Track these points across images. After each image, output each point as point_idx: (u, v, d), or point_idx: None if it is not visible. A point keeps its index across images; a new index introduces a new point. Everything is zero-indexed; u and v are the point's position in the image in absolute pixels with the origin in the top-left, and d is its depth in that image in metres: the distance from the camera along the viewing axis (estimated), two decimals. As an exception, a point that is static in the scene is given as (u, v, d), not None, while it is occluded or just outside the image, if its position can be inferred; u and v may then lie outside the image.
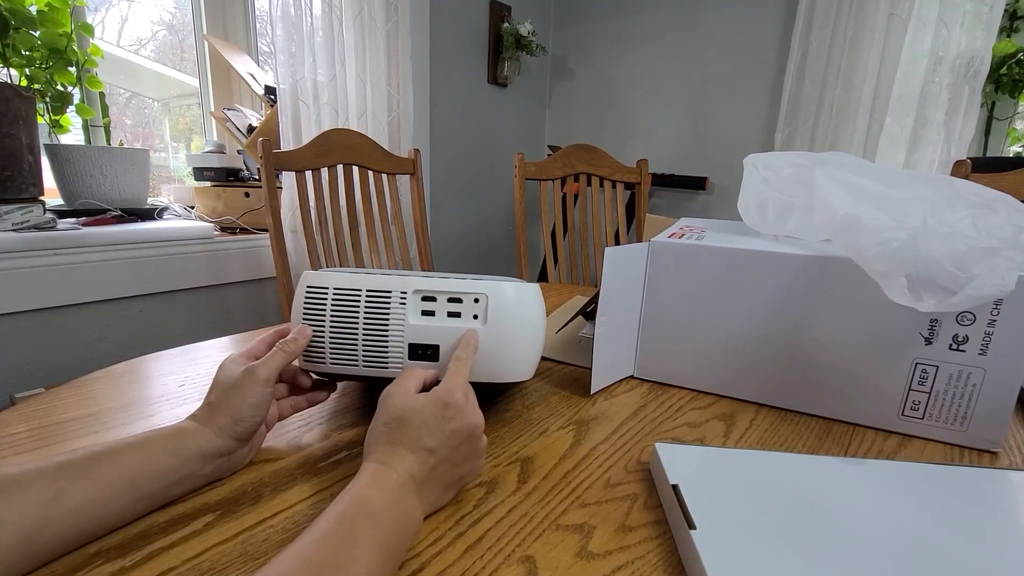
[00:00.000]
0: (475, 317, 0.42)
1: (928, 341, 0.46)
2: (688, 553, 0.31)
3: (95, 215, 1.16)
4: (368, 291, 0.42)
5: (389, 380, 0.43)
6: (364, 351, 0.42)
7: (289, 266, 1.06)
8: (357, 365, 0.43)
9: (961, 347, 0.45)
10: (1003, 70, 1.48)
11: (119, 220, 1.19)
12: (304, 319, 0.42)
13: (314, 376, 0.45)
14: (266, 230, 1.09)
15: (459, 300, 0.42)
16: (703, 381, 0.56)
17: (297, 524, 0.33)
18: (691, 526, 0.31)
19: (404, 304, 0.42)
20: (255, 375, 0.37)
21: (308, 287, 0.43)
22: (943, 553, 0.30)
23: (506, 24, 2.04)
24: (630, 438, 0.46)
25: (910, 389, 0.47)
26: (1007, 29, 1.52)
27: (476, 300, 0.42)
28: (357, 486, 0.31)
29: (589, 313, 0.70)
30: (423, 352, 0.42)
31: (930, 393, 0.47)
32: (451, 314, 0.42)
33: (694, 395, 0.56)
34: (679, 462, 0.38)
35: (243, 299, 1.38)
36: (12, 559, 0.28)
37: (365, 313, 0.42)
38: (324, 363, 0.43)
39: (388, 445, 0.34)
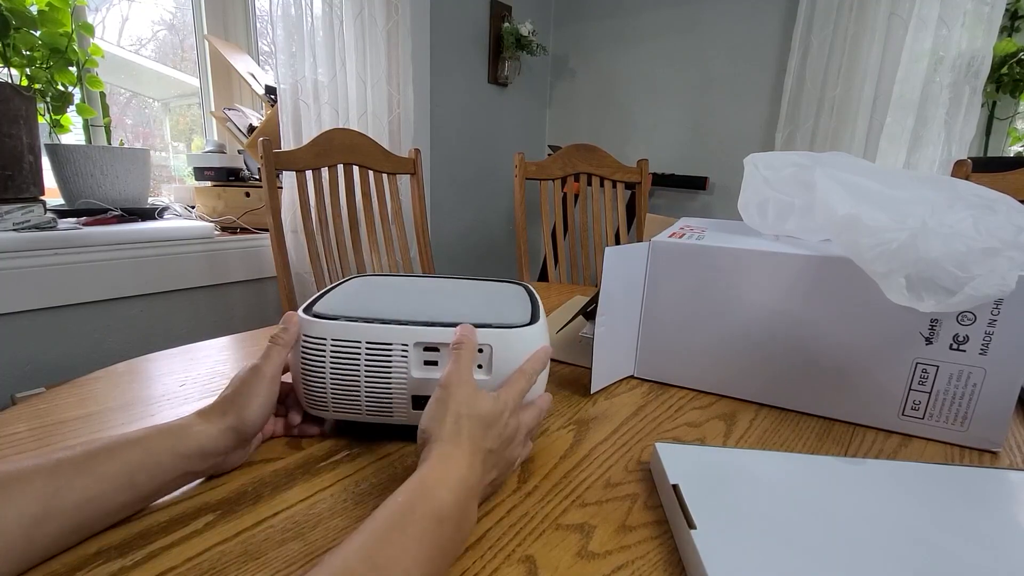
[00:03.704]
0: (480, 367, 0.41)
1: (928, 341, 0.46)
2: (688, 553, 0.31)
3: (96, 215, 1.16)
4: (368, 343, 0.40)
5: (395, 427, 0.43)
6: (367, 402, 0.41)
7: (289, 266, 1.06)
8: (360, 413, 0.42)
9: (961, 347, 0.45)
10: (1004, 70, 1.48)
11: (120, 220, 1.19)
12: (302, 365, 0.41)
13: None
14: (267, 230, 1.09)
15: None
16: (703, 381, 0.56)
17: (297, 524, 0.33)
18: (691, 526, 0.31)
19: (406, 357, 0.40)
20: (261, 373, 0.38)
21: (305, 336, 0.41)
22: (943, 553, 0.30)
23: (506, 24, 2.04)
24: (630, 438, 0.46)
25: (910, 389, 0.47)
26: (1008, 29, 1.51)
27: (480, 351, 0.40)
28: (429, 480, 0.30)
29: (589, 313, 0.70)
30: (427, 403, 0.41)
31: (930, 393, 0.47)
32: None
33: (694, 395, 0.56)
34: (679, 462, 0.38)
35: (243, 299, 1.38)
36: (12, 555, 0.28)
37: (366, 365, 0.40)
38: (327, 410, 0.42)
39: (456, 438, 0.33)
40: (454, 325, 0.40)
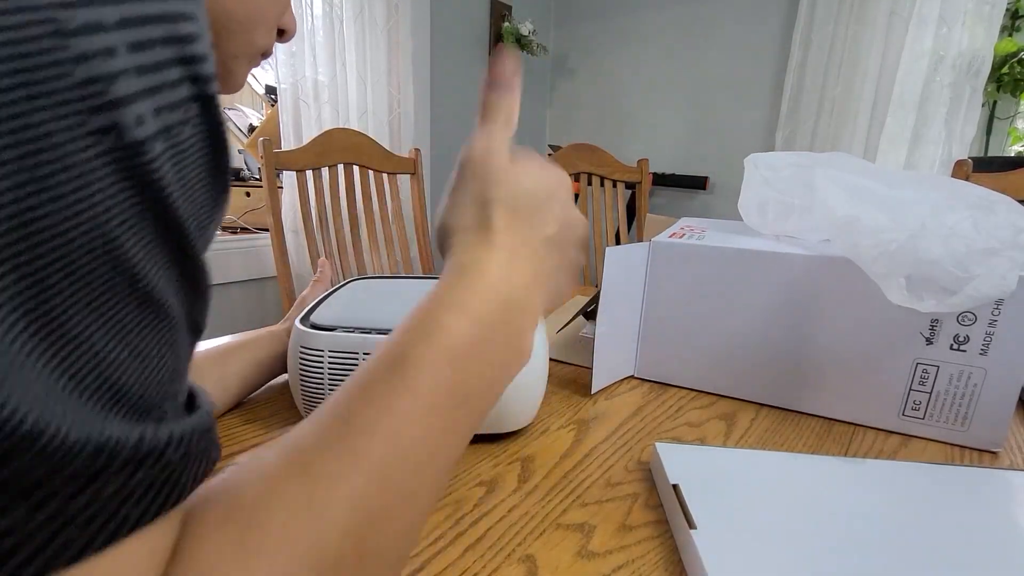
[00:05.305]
0: None
1: (929, 341, 0.46)
2: (688, 553, 0.31)
3: (96, 215, 1.16)
4: (366, 355, 0.40)
5: None
6: None
7: (290, 265, 1.06)
8: None
9: (962, 347, 0.45)
10: (1004, 69, 1.48)
11: (120, 220, 1.19)
12: (301, 376, 0.41)
13: None
14: (267, 230, 1.09)
15: None
16: (703, 381, 0.56)
17: (298, 524, 0.33)
18: (691, 526, 0.31)
19: None
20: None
21: (303, 348, 0.41)
22: (943, 553, 0.30)
23: (507, 23, 2.04)
24: (630, 438, 0.46)
25: (911, 389, 0.47)
26: (1008, 28, 1.51)
27: None
28: (434, 305, 0.21)
29: (589, 313, 0.70)
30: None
31: (931, 393, 0.47)
32: None
33: (694, 395, 0.56)
34: (679, 462, 0.38)
35: (244, 299, 1.39)
36: (225, 404, 0.44)
37: None
38: None
39: (483, 231, 0.23)
40: None
